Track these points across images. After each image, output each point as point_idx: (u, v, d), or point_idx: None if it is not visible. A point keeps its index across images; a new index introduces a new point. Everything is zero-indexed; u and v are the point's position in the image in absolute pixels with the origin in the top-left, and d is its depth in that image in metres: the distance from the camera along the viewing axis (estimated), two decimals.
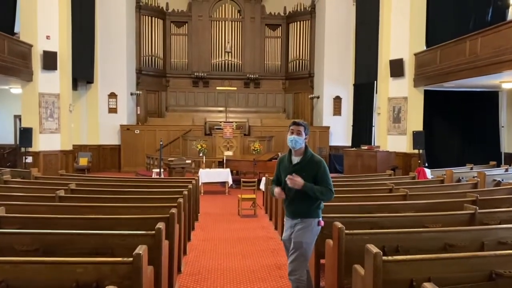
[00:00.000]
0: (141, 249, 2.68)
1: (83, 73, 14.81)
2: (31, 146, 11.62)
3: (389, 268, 2.65)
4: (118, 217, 4.19)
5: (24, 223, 4.01)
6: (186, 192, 5.84)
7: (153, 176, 11.33)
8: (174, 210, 4.21)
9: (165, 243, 3.80)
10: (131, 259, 2.62)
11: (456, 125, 13.97)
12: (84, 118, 15.95)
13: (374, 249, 2.66)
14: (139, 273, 2.60)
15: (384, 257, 2.64)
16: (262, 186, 9.73)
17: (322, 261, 4.38)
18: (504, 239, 3.60)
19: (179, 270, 4.95)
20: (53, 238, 3.35)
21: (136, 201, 5.39)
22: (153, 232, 3.39)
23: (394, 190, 6.44)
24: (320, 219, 3.62)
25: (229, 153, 14.28)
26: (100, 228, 3.89)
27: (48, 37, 12.00)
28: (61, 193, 5.60)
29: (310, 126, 16.94)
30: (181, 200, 5.01)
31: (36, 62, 11.78)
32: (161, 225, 3.47)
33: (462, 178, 9.07)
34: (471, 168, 10.25)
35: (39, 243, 3.30)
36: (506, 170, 9.99)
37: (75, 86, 15.08)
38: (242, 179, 8.91)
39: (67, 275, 2.56)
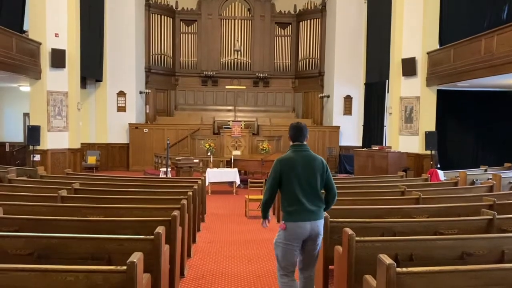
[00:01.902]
0: (136, 257, 2.50)
1: (91, 71, 14.75)
2: (39, 144, 11.58)
3: (404, 281, 2.44)
4: (119, 220, 4.04)
5: (21, 225, 3.87)
6: (191, 193, 5.67)
7: (160, 176, 11.20)
8: (176, 213, 4.04)
9: (166, 248, 3.64)
10: (124, 267, 2.45)
11: (469, 126, 13.63)
12: (93, 117, 15.91)
13: (387, 260, 2.47)
14: (133, 283, 2.43)
15: (398, 269, 2.44)
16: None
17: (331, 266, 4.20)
18: None
19: (182, 275, 4.79)
20: (48, 242, 3.20)
21: (139, 202, 5.24)
22: (152, 236, 3.22)
23: (406, 193, 6.21)
24: (283, 222, 3.55)
25: (237, 152, 14.12)
26: (100, 231, 3.75)
27: (56, 35, 11.94)
28: (64, 193, 5.47)
29: (320, 126, 16.90)
30: (184, 201, 4.85)
31: (45, 60, 11.73)
32: (160, 229, 3.29)
33: (476, 180, 8.79)
34: (485, 170, 9.94)
35: (33, 247, 3.16)
36: None
37: (83, 85, 15.05)
38: (249, 179, 8.73)
39: (57, 284, 2.40)
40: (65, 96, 12.22)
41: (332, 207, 4.51)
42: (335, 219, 4.06)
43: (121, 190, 6.20)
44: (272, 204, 3.79)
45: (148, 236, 3.26)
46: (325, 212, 4.11)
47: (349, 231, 3.25)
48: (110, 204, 4.97)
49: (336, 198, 3.70)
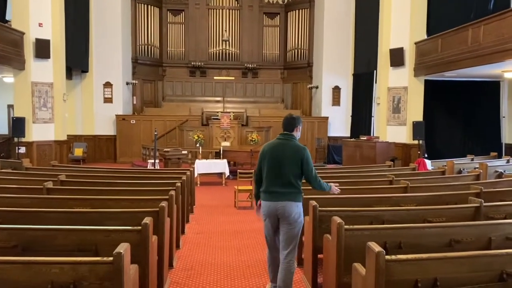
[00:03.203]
0: (123, 248, 2.46)
1: (77, 62, 14.51)
2: (24, 136, 11.40)
3: (393, 268, 2.44)
4: (106, 211, 3.98)
5: (5, 217, 3.79)
6: (179, 184, 5.62)
7: (148, 167, 11.11)
8: (164, 204, 4.00)
9: (154, 239, 3.60)
10: (111, 258, 2.41)
11: (456, 116, 13.76)
12: (79, 108, 15.69)
13: (376, 247, 2.46)
14: (120, 274, 2.39)
15: (387, 257, 2.44)
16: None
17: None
18: None
19: (171, 265, 4.76)
20: (33, 234, 3.13)
21: (127, 193, 5.18)
22: (140, 227, 3.18)
23: (394, 182, 6.24)
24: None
25: (226, 143, 14.07)
26: (86, 222, 3.69)
27: (40, 25, 11.69)
28: (49, 184, 5.38)
29: (308, 117, 16.90)
30: (173, 192, 4.80)
31: (29, 50, 11.49)
32: (148, 220, 3.24)
33: (463, 169, 8.87)
34: (472, 159, 10.05)
35: (17, 239, 3.09)
36: (508, 161, 9.82)
37: (69, 75, 14.82)
38: (239, 170, 8.70)
39: (41, 276, 2.35)
40: (50, 87, 12.02)
41: (321, 196, 4.61)
42: (323, 208, 4.06)
43: (108, 182, 6.12)
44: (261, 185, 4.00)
45: (135, 227, 3.21)
46: (314, 201, 4.12)
47: (338, 219, 3.24)
48: (97, 196, 4.90)
49: (320, 183, 3.93)
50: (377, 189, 5.62)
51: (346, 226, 3.19)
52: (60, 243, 3.11)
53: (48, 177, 6.32)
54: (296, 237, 3.77)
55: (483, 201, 4.14)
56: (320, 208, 4.01)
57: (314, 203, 4.05)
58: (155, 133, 10.71)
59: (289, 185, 3.78)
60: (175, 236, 5.19)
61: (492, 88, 13.37)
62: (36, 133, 11.75)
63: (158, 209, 3.92)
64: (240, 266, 4.98)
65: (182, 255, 5.37)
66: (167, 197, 4.65)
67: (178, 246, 5.57)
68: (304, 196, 4.75)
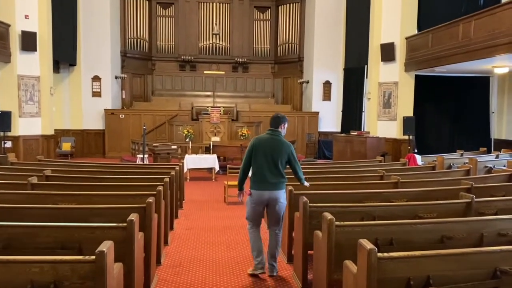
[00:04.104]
0: (106, 246, 2.37)
1: (65, 55, 14.27)
2: (10, 131, 11.20)
3: (385, 266, 2.38)
4: (91, 207, 3.87)
5: None
6: (167, 179, 5.52)
7: (137, 162, 10.97)
8: (151, 199, 3.90)
9: (140, 236, 3.50)
10: (93, 257, 2.31)
11: (446, 111, 13.79)
12: (67, 102, 15.44)
13: (368, 245, 2.40)
14: (103, 273, 2.30)
15: (380, 254, 2.38)
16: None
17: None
18: (504, 231, 3.36)
19: (158, 262, 4.67)
20: (15, 232, 3.02)
21: (114, 188, 5.07)
22: (125, 224, 3.08)
23: (385, 177, 6.21)
24: (250, 189, 4.45)
25: (216, 138, 13.96)
26: (71, 219, 3.59)
27: (26, 17, 11.46)
28: (34, 180, 5.25)
29: (299, 112, 16.83)
30: (160, 188, 4.71)
31: (14, 42, 11.27)
32: (134, 216, 3.14)
33: (453, 164, 8.89)
34: (461, 155, 10.09)
35: None
36: (497, 156, 9.86)
37: (56, 69, 14.58)
38: (229, 165, 8.61)
39: (21, 276, 2.25)
40: (37, 80, 11.81)
41: (311, 192, 4.60)
42: (314, 204, 3.99)
43: (95, 177, 6.01)
44: (247, 177, 4.56)
45: (120, 224, 3.11)
46: (304, 197, 4.06)
47: (329, 215, 3.17)
48: (83, 192, 4.78)
49: (301, 173, 4.55)
50: (368, 185, 5.58)
51: (337, 223, 3.12)
52: (42, 241, 3.01)
53: (33, 172, 6.19)
54: (282, 216, 4.44)
55: (474, 196, 4.11)
56: (310, 204, 3.94)
57: (304, 199, 3.99)
58: (144, 127, 10.56)
59: (279, 175, 4.33)
60: (163, 232, 5.10)
61: (481, 83, 13.42)
62: (23, 127, 11.56)
63: (145, 205, 3.82)
64: (229, 263, 4.90)
65: (170, 251, 5.28)
66: (155, 192, 4.56)
67: (166, 243, 5.49)
68: (295, 192, 4.72)
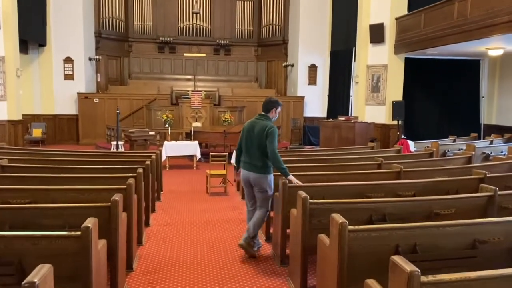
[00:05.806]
0: (91, 222, 1.69)
1: (33, 34, 13.23)
2: None
3: None
4: (44, 207, 3.17)
5: None
6: (141, 170, 4.82)
7: (111, 149, 10.19)
8: (118, 197, 3.21)
9: (101, 244, 2.81)
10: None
11: (435, 95, 13.34)
12: (37, 85, 14.42)
13: (407, 265, 1.76)
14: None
15: (423, 278, 1.76)
16: (233, 161, 8.76)
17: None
18: None
19: (129, 268, 4.00)
20: None
21: (77, 181, 4.36)
22: (79, 233, 2.39)
23: (383, 166, 5.64)
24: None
25: (198, 124, 13.22)
26: (20, 221, 2.90)
27: None
28: None
29: (284, 96, 16.18)
30: (132, 181, 4.01)
31: None
32: (91, 222, 2.46)
33: (448, 151, 8.43)
34: (454, 140, 9.66)
35: None
36: (491, 142, 9.47)
37: (25, 49, 13.55)
38: (211, 153, 7.93)
39: None
40: (2, 61, 10.87)
41: (307, 184, 4.09)
42: (315, 200, 3.38)
43: (59, 167, 5.25)
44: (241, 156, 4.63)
45: (74, 233, 2.41)
46: (303, 192, 3.45)
47: (340, 218, 2.54)
48: (42, 186, 4.07)
49: (277, 159, 4.27)
50: (368, 175, 4.99)
51: (350, 227, 2.50)
52: None
53: None
54: (266, 199, 4.46)
55: (497, 189, 3.55)
56: (311, 201, 3.31)
57: (303, 194, 3.36)
58: (118, 111, 9.72)
59: (257, 159, 4.38)
60: (136, 233, 4.43)
61: (472, 67, 13.03)
62: None
63: (109, 203, 3.13)
64: (213, 267, 4.26)
65: (144, 253, 4.60)
66: (125, 186, 3.87)
67: (140, 242, 4.81)
68: (289, 185, 4.10)
